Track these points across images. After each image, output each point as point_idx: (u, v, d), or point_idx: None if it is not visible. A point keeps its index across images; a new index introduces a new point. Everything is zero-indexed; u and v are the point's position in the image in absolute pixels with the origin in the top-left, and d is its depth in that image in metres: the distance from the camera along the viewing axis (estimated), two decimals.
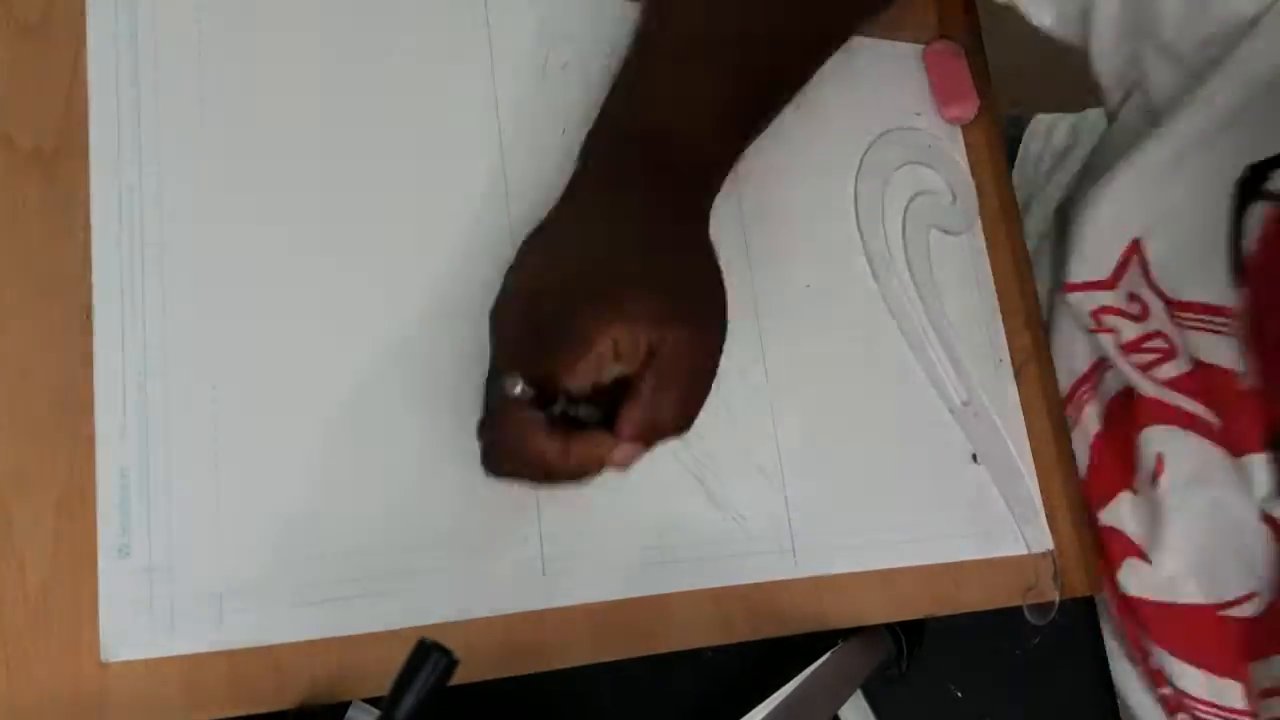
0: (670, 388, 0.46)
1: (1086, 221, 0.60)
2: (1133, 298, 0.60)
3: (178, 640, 0.43)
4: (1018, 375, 0.65)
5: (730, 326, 0.50)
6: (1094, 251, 0.61)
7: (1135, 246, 0.59)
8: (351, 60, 0.53)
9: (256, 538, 0.45)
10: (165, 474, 0.44)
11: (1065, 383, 0.68)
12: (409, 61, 0.54)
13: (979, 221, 0.67)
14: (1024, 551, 0.61)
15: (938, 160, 0.66)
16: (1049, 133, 0.86)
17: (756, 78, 0.54)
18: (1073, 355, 0.67)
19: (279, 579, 0.45)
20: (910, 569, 0.58)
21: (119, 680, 0.42)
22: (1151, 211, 0.58)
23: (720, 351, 0.48)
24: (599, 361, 0.45)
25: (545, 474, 0.46)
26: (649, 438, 0.47)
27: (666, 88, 0.51)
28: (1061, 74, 0.66)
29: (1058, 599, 0.61)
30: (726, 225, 0.59)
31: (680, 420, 0.48)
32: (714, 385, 0.49)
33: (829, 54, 0.59)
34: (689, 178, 0.51)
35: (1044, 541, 0.62)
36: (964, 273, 0.65)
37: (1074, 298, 0.62)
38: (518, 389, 0.43)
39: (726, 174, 0.54)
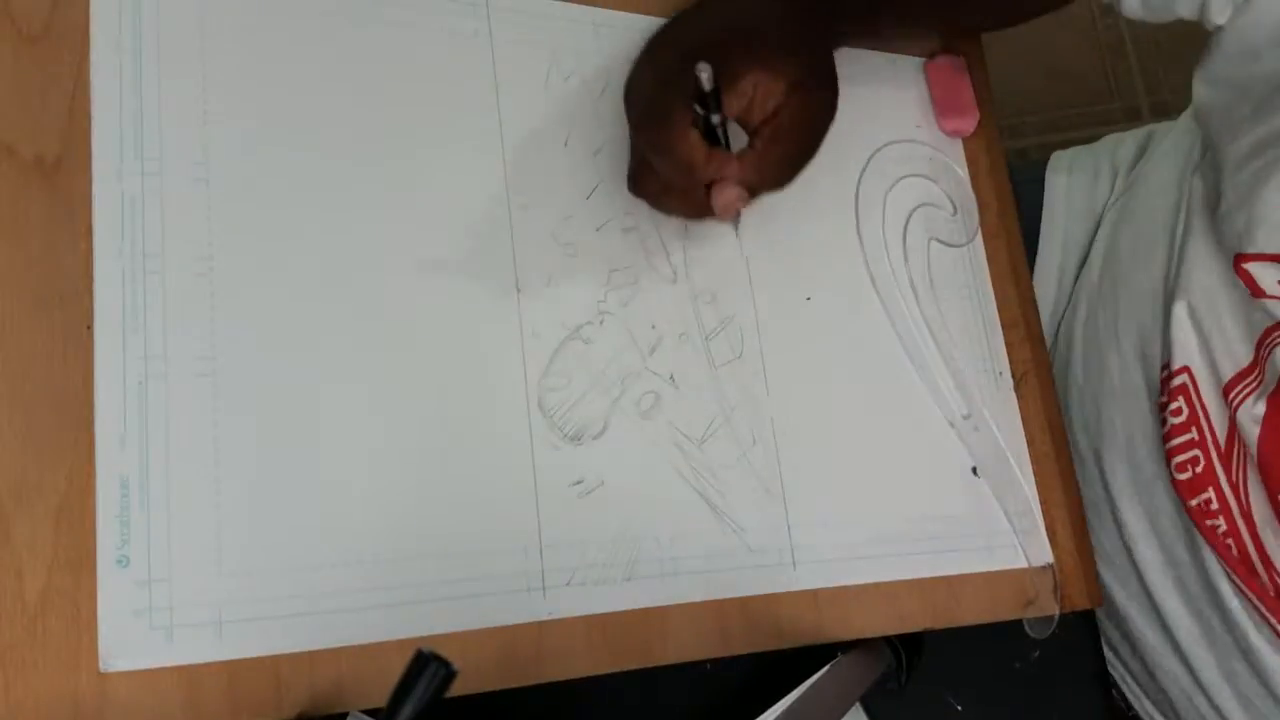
0: (784, 144, 0.52)
1: (1270, 193, 0.58)
2: None
3: (177, 650, 0.43)
4: (1018, 388, 0.65)
5: (734, 338, 0.51)
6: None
7: None
8: (355, 71, 0.53)
9: (256, 549, 0.45)
10: (165, 484, 0.44)
11: (1225, 377, 0.63)
12: (413, 72, 0.54)
13: (979, 234, 0.67)
14: (1024, 565, 0.61)
15: (939, 173, 0.67)
16: (1070, 167, 0.85)
17: None
18: (1230, 345, 0.63)
19: (278, 590, 0.45)
20: (910, 582, 0.58)
21: (118, 690, 0.42)
22: None
23: (826, 133, 0.54)
24: (743, 96, 0.51)
25: (686, 173, 0.51)
26: (755, 183, 0.52)
27: None
28: (1060, 90, 0.65)
29: (1058, 612, 0.61)
30: (725, 239, 0.59)
31: (783, 176, 0.53)
32: (717, 399, 0.53)
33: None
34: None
35: (1044, 555, 0.62)
36: (964, 285, 0.65)
37: (1254, 267, 0.60)
38: (705, 74, 0.48)
39: (854, 27, 0.60)
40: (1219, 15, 0.59)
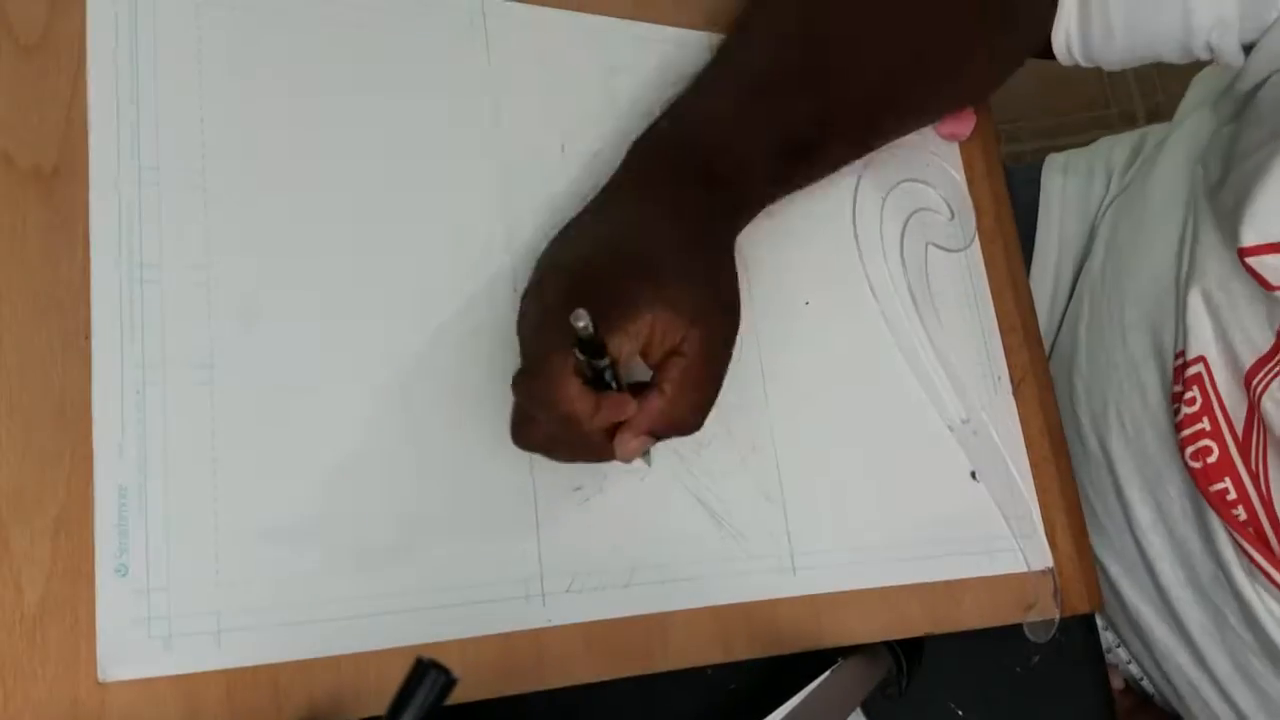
0: (691, 387, 0.48)
1: (1269, 184, 0.58)
2: None
3: (176, 659, 0.43)
4: (1016, 392, 0.65)
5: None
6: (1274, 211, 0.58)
7: None
8: (352, 79, 0.53)
9: (254, 557, 0.45)
10: (163, 493, 0.44)
11: (1245, 364, 0.63)
12: (410, 79, 0.54)
13: (977, 238, 0.67)
14: (1023, 569, 0.61)
15: (935, 177, 0.67)
16: (1065, 168, 0.85)
17: (810, 123, 0.56)
18: (1248, 333, 0.62)
19: (277, 598, 0.45)
20: (910, 587, 0.58)
21: (117, 700, 0.42)
22: None
23: (730, 357, 0.50)
24: (637, 338, 0.46)
25: (572, 426, 0.45)
26: (662, 431, 0.48)
27: (724, 111, 0.55)
28: (1056, 96, 0.66)
29: (1058, 616, 0.61)
30: None
31: (694, 421, 0.49)
32: (716, 406, 0.50)
33: (892, 128, 0.62)
34: (729, 193, 0.54)
35: (1044, 559, 0.62)
36: (962, 289, 0.65)
37: (1256, 261, 0.59)
38: (582, 323, 0.42)
39: (763, 204, 0.56)
40: (1234, 58, 0.58)
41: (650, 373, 0.49)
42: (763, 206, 0.56)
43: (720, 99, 0.56)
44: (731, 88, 0.56)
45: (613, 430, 0.47)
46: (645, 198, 0.52)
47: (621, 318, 0.46)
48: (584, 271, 0.49)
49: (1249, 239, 0.58)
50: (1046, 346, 0.73)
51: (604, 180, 0.55)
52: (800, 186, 0.59)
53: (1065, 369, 0.75)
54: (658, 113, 0.57)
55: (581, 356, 0.45)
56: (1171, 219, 0.69)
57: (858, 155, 0.62)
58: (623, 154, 0.56)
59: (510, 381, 0.47)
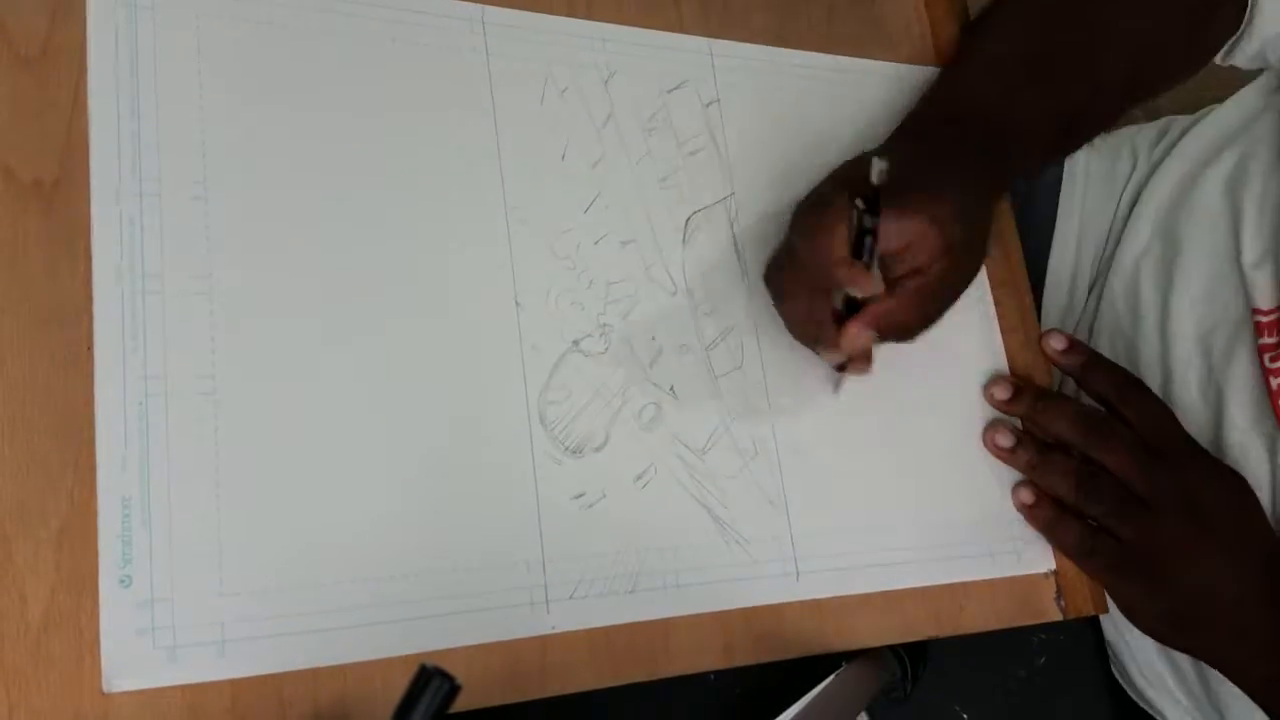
0: (926, 303, 0.53)
1: None
2: None
3: (180, 670, 0.43)
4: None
5: (734, 349, 0.51)
6: None
7: None
8: (352, 88, 0.53)
9: (258, 567, 0.45)
10: (167, 504, 0.44)
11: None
12: (410, 88, 0.54)
13: None
14: (1026, 572, 0.61)
15: None
16: (1134, 135, 0.85)
17: (1071, 101, 0.61)
18: None
19: (281, 608, 0.45)
20: (913, 590, 0.58)
21: (121, 711, 0.42)
22: None
23: (957, 298, 0.55)
24: (903, 234, 0.51)
25: (824, 264, 0.50)
26: (886, 330, 0.53)
27: (1001, 94, 0.60)
28: None
29: (1061, 618, 0.61)
30: (721, 249, 0.59)
31: (915, 331, 0.55)
32: (718, 410, 0.54)
33: (1142, 96, 0.67)
34: (1004, 166, 0.59)
35: (1047, 561, 0.62)
36: (966, 293, 0.65)
37: None
38: (880, 167, 0.47)
39: (1029, 173, 0.62)
40: None
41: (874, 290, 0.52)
42: (1024, 174, 0.62)
43: (993, 83, 0.60)
44: (1006, 65, 0.61)
45: (840, 321, 0.52)
46: (942, 152, 0.56)
47: (905, 205, 0.50)
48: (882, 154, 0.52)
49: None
50: (1071, 325, 0.74)
51: (608, 189, 0.56)
52: (1059, 154, 0.65)
53: (1095, 328, 0.75)
54: (657, 120, 0.57)
55: (859, 205, 0.49)
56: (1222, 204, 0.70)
57: (1091, 137, 0.67)
58: (621, 161, 0.56)
59: (791, 215, 0.54)
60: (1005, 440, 0.61)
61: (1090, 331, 0.75)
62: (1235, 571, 0.57)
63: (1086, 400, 0.65)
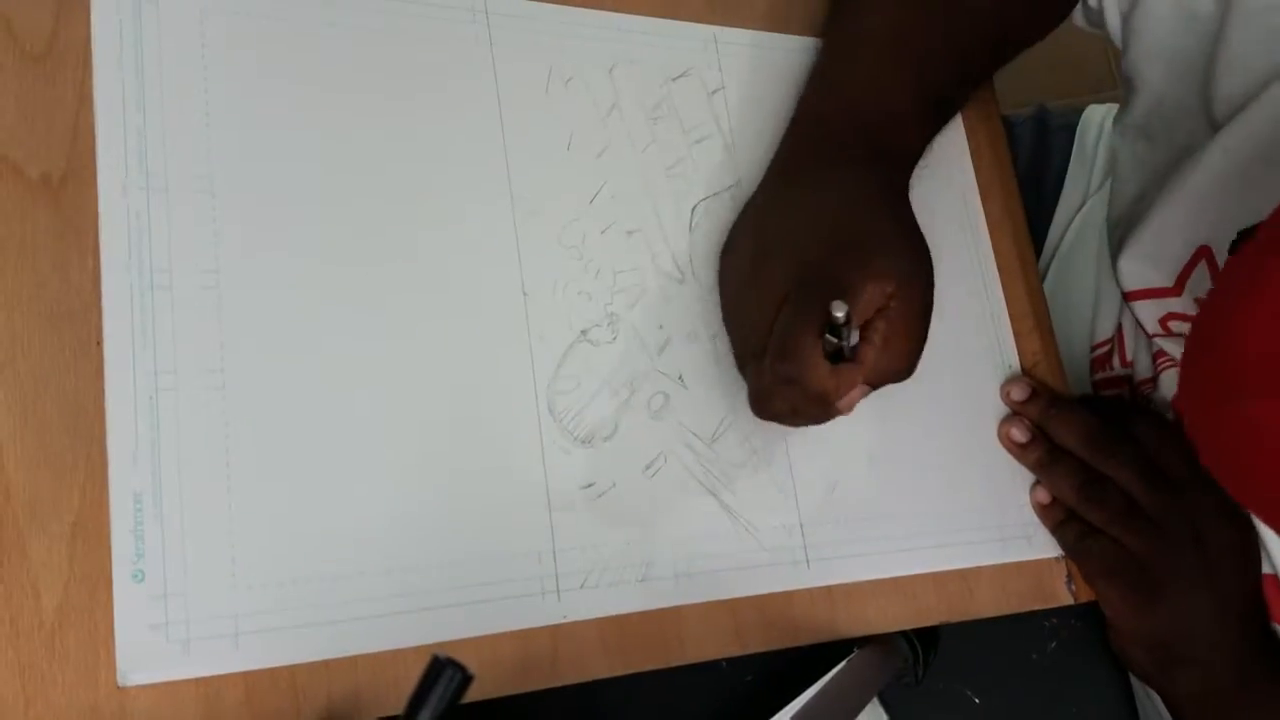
0: (901, 339, 0.53)
1: (1149, 229, 0.60)
2: (1199, 302, 0.60)
3: (194, 663, 0.43)
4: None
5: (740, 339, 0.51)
6: (1159, 258, 0.61)
7: (1203, 252, 0.59)
8: (357, 80, 0.53)
9: (271, 559, 0.46)
10: (179, 498, 0.44)
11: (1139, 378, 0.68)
12: (415, 80, 0.54)
13: (985, 224, 0.66)
14: (1037, 557, 0.61)
15: (941, 163, 0.66)
16: (1102, 124, 0.86)
17: (941, 77, 0.60)
18: (1139, 352, 0.68)
19: (294, 600, 0.45)
20: (924, 576, 0.58)
21: (136, 704, 0.42)
22: (1217, 216, 0.58)
23: (931, 307, 0.55)
24: (864, 311, 0.51)
25: (817, 399, 0.51)
26: (878, 381, 0.53)
27: (870, 82, 0.59)
28: (1062, 80, 0.67)
29: (1073, 603, 0.61)
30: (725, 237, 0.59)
31: (907, 368, 0.54)
32: (727, 398, 0.54)
33: (1006, 60, 0.66)
34: (894, 157, 0.58)
35: (1057, 546, 0.62)
36: (969, 276, 0.65)
37: (1139, 306, 0.63)
38: (841, 313, 0.49)
39: (917, 160, 0.60)
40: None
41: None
42: (916, 162, 0.60)
43: (868, 65, 0.59)
44: (873, 54, 0.59)
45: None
46: (827, 177, 0.56)
47: (868, 277, 0.51)
48: (803, 259, 0.53)
49: (1137, 283, 0.61)
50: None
51: (614, 178, 0.56)
52: (945, 120, 0.63)
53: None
54: (662, 108, 0.57)
55: (832, 339, 0.50)
56: None
57: (959, 111, 0.67)
58: (627, 150, 0.56)
59: (736, 363, 0.56)
60: (1020, 436, 0.61)
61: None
62: (1219, 612, 0.58)
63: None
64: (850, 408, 0.53)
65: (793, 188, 0.57)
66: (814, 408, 0.52)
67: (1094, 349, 0.72)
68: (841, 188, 0.55)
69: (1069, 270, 0.78)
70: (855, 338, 0.52)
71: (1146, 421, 0.61)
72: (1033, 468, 0.61)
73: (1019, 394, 0.62)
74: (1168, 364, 0.64)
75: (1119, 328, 0.70)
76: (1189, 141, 0.60)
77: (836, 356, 0.51)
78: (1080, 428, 0.60)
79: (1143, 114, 0.65)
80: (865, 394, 0.53)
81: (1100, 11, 0.63)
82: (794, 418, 0.53)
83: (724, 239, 0.59)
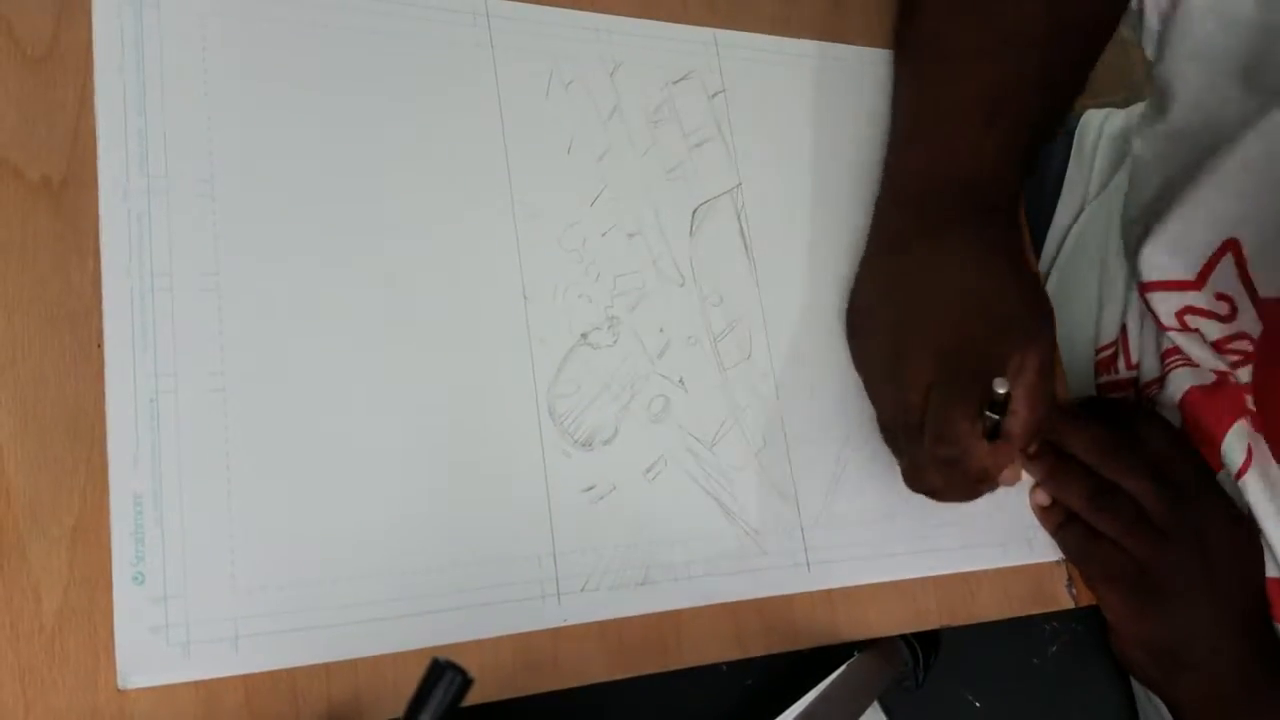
0: (1041, 398, 0.53)
1: (1175, 220, 0.60)
2: (1220, 297, 0.60)
3: (194, 666, 0.43)
4: None
5: (742, 340, 0.51)
6: (1182, 250, 0.61)
7: (1230, 245, 0.59)
8: (358, 84, 0.53)
9: (271, 562, 0.45)
10: (179, 501, 0.44)
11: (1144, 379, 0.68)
12: (415, 83, 0.54)
13: None
14: (1038, 560, 0.61)
15: None
16: (1101, 127, 0.86)
17: (1029, 125, 0.60)
18: (1145, 354, 0.68)
19: (294, 603, 0.45)
20: (924, 580, 0.58)
21: (136, 706, 0.42)
22: (1250, 207, 0.58)
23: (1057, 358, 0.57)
24: (1012, 379, 0.51)
25: (978, 477, 0.53)
26: (1030, 441, 0.54)
27: (962, 143, 0.59)
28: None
29: (1074, 606, 0.60)
30: (729, 240, 0.59)
31: (1047, 424, 0.55)
32: (727, 401, 0.54)
33: (1076, 97, 0.65)
34: (1000, 216, 0.58)
35: (1057, 550, 0.62)
36: None
37: (1156, 297, 0.63)
38: (1004, 390, 0.49)
39: (1019, 210, 0.61)
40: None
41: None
42: (1019, 213, 0.61)
43: (965, 128, 0.59)
44: (971, 117, 0.59)
45: None
46: (946, 243, 0.56)
47: (1007, 372, 0.51)
48: (947, 337, 0.54)
49: (1157, 274, 0.61)
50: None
51: (614, 181, 0.57)
52: (1034, 167, 0.63)
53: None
54: (663, 111, 0.57)
55: (991, 416, 0.51)
56: None
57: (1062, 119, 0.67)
58: (628, 153, 0.56)
59: (881, 433, 0.57)
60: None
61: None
62: (1223, 619, 0.58)
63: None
64: (1014, 480, 0.55)
65: (911, 256, 0.57)
66: (975, 486, 0.53)
67: (1099, 351, 0.72)
68: (965, 255, 0.56)
69: (1071, 274, 0.78)
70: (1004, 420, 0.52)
71: (1153, 427, 0.61)
72: (1041, 476, 0.61)
73: None
74: (1177, 362, 0.64)
75: (1123, 329, 0.70)
76: (1224, 136, 0.60)
77: (993, 431, 0.52)
78: (1089, 437, 0.60)
79: (1182, 118, 0.64)
80: (1020, 462, 0.55)
81: (1139, 14, 0.63)
82: (948, 493, 0.55)
83: (726, 242, 0.59)
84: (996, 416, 0.51)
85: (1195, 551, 0.58)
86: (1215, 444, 0.61)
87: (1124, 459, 0.59)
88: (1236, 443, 0.60)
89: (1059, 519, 0.60)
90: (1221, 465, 0.61)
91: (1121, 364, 0.70)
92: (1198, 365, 0.63)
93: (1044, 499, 0.61)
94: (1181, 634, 0.58)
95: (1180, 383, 0.64)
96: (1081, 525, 0.59)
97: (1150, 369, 0.67)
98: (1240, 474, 0.60)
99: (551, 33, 0.58)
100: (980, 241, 0.56)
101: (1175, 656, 0.59)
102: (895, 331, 0.56)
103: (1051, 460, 0.61)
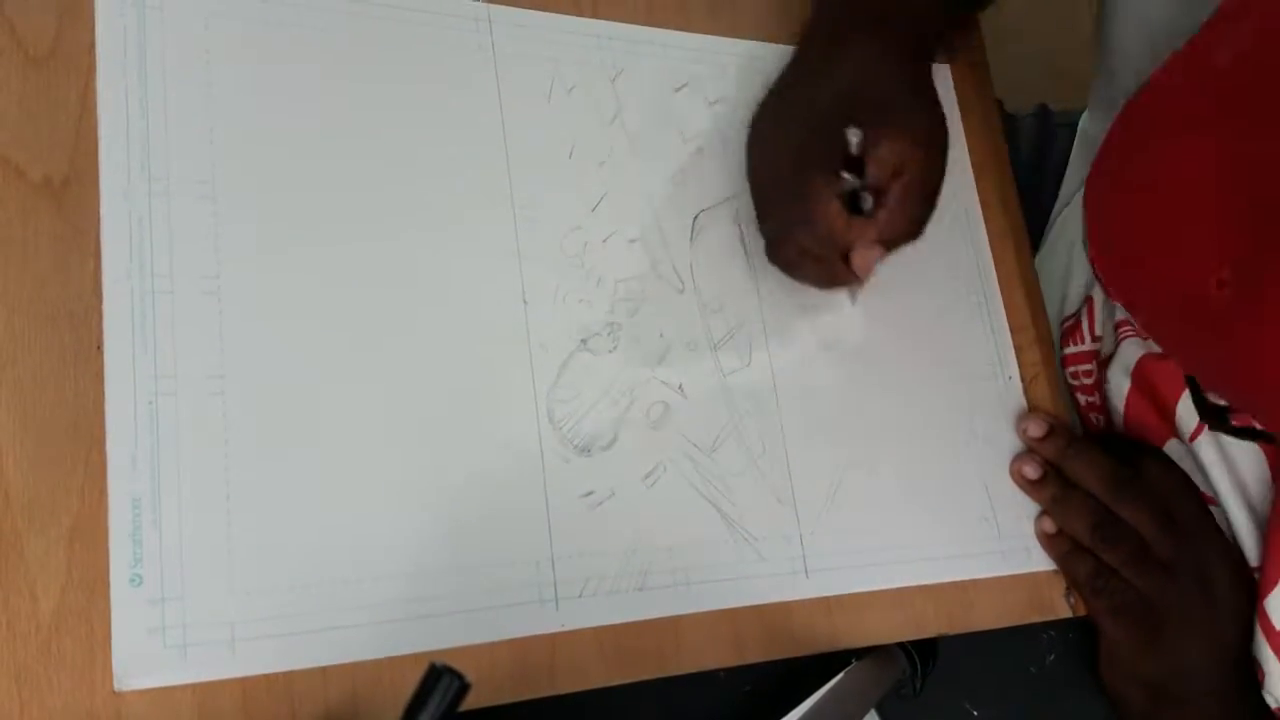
0: (914, 202, 0.54)
1: None
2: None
3: (191, 668, 0.43)
4: (1027, 390, 0.65)
5: (742, 346, 0.51)
6: None
7: None
8: (360, 88, 0.53)
9: (268, 566, 0.45)
10: (177, 503, 0.44)
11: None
12: (417, 88, 0.54)
13: (985, 237, 0.67)
14: (1036, 569, 0.61)
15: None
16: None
17: None
18: (1106, 326, 0.69)
19: (291, 606, 0.45)
20: (923, 588, 0.58)
21: (133, 709, 0.42)
22: None
23: (943, 178, 0.56)
24: (882, 164, 0.52)
25: (830, 241, 0.53)
26: (890, 241, 0.54)
27: None
28: (1061, 90, 0.67)
29: (1071, 615, 0.60)
30: (729, 247, 0.59)
31: (917, 230, 0.55)
32: (727, 408, 0.54)
33: None
34: (912, 29, 0.58)
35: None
36: (972, 290, 0.65)
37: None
38: (856, 138, 0.50)
39: (940, 42, 0.62)
40: None
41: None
42: (939, 33, 0.61)
43: None
44: None
45: (847, 256, 0.54)
46: (848, 39, 0.56)
47: (886, 131, 0.52)
48: (825, 109, 0.54)
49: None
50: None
51: (615, 187, 0.57)
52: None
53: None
54: (664, 118, 0.58)
55: (847, 177, 0.51)
56: None
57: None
58: (628, 159, 0.57)
59: (767, 200, 0.57)
60: (1032, 473, 0.61)
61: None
62: (1218, 656, 0.58)
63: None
64: (866, 269, 0.53)
65: (812, 56, 0.58)
66: (823, 249, 0.53)
67: (1063, 322, 0.73)
68: (863, 51, 0.56)
69: (1049, 254, 0.78)
70: (870, 202, 0.52)
71: (1158, 465, 0.61)
72: (1046, 504, 0.61)
73: (1036, 430, 0.62)
74: (1129, 332, 0.65)
75: (1087, 300, 0.71)
76: None
77: (853, 205, 0.52)
78: (1098, 468, 0.60)
79: (1125, 88, 0.65)
80: (880, 257, 0.53)
81: None
82: (805, 266, 0.55)
83: (725, 249, 0.59)
84: (850, 176, 0.51)
85: (1197, 587, 0.58)
86: (1170, 410, 0.61)
87: (1129, 492, 0.59)
88: (1188, 408, 0.60)
89: (1064, 548, 0.60)
90: (1174, 432, 0.61)
91: (1087, 334, 0.70)
92: (1146, 337, 0.64)
93: (1050, 527, 0.61)
94: (1178, 670, 0.58)
95: (1132, 351, 0.64)
96: (1091, 558, 0.59)
97: (1110, 343, 0.68)
98: (1194, 437, 0.60)
99: (553, 39, 0.58)
100: (888, 43, 0.56)
101: (1168, 691, 0.59)
102: (778, 121, 0.57)
103: (1057, 488, 0.61)
